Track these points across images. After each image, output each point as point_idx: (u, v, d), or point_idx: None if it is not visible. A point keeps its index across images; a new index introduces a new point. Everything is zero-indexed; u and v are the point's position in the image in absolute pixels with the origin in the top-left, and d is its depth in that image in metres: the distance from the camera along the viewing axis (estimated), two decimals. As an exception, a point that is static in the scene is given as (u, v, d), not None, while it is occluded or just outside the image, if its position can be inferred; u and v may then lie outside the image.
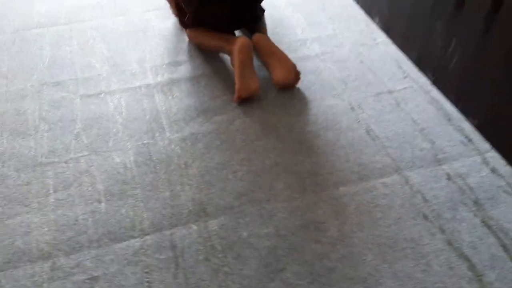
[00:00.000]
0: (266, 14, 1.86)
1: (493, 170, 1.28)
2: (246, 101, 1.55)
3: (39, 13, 2.02)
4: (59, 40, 1.86)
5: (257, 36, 1.57)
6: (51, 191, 1.28)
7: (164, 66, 1.72)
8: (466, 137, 1.38)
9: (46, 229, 1.19)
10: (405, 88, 1.57)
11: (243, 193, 1.27)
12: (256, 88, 1.52)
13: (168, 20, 1.95)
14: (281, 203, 1.24)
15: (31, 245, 1.15)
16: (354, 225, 1.18)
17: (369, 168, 1.32)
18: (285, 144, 1.41)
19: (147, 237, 1.17)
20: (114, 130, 1.47)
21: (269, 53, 1.55)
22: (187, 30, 1.76)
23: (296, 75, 1.56)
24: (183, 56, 1.76)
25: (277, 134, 1.45)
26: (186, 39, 1.83)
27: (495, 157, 1.32)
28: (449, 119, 1.44)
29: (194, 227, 1.19)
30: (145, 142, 1.43)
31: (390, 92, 1.56)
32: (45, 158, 1.38)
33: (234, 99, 1.54)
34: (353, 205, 1.22)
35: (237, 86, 1.51)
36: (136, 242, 1.16)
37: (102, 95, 1.60)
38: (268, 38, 1.58)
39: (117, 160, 1.37)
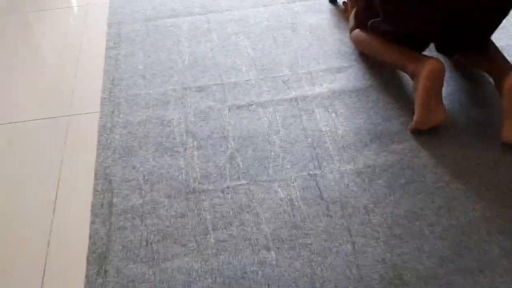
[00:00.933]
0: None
1: None
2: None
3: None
4: (197, 33, 1.65)
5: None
6: (209, 229, 1.09)
7: (320, 73, 1.46)
8: None
9: (209, 280, 1.00)
10: None
11: (448, 258, 1.00)
12: (440, 121, 1.22)
13: (319, 14, 1.68)
14: (501, 277, 0.96)
15: (194, 300, 0.97)
16: None
17: None
18: (492, 191, 1.11)
19: (333, 307, 0.94)
20: (273, 154, 1.24)
21: None
22: (356, 31, 1.46)
23: None
24: (343, 61, 1.49)
25: (478, 175, 1.15)
26: (346, 39, 1.55)
27: None
28: None
29: (391, 300, 0.94)
30: (311, 172, 1.19)
31: None
32: (198, 183, 1.19)
33: (409, 128, 1.25)
34: None
35: (416, 117, 1.23)
36: (320, 313, 0.94)
37: (253, 106, 1.37)
38: None
39: (281, 194, 1.15)
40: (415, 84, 1.23)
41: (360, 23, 1.42)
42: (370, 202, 1.12)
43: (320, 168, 1.20)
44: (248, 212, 1.12)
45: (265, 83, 1.44)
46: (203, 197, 1.16)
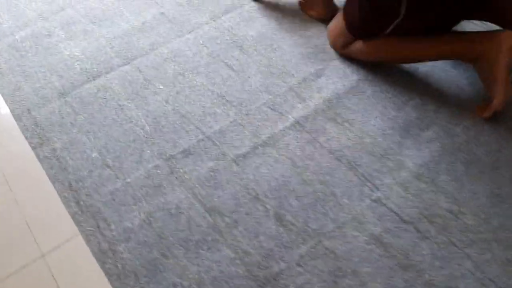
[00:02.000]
0: None
1: None
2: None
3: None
4: (135, 88, 1.35)
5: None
6: (315, 316, 0.88)
7: (302, 84, 1.30)
8: None
9: None
10: None
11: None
12: None
13: (253, 22, 1.49)
14: None
15: None
16: None
17: None
18: (542, 142, 1.09)
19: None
20: (319, 194, 1.06)
21: None
22: (359, 43, 1.28)
23: None
24: (315, 64, 1.34)
25: (520, 132, 1.12)
26: (300, 40, 1.40)
27: None
28: None
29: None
30: (372, 197, 1.05)
31: None
32: (265, 269, 0.96)
33: (488, 114, 1.15)
34: None
35: (500, 98, 1.10)
36: None
37: (260, 148, 1.17)
38: None
39: (362, 236, 0.99)
40: (483, 66, 1.12)
41: (366, 33, 1.25)
42: (450, 203, 1.02)
43: (377, 189, 1.06)
44: (343, 275, 0.93)
45: (253, 117, 1.23)
46: (283, 281, 0.93)
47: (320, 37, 1.43)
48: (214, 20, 1.52)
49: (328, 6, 1.44)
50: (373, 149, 1.13)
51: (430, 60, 1.26)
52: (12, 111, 1.31)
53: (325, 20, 1.46)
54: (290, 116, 1.23)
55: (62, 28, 1.55)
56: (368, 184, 1.07)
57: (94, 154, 1.19)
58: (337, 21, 1.32)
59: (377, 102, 1.23)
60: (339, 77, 1.31)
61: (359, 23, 1.23)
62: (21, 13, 1.60)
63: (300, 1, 1.52)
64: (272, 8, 1.54)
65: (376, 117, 1.20)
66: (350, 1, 1.25)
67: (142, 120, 1.25)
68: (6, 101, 1.34)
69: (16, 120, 1.28)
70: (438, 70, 1.29)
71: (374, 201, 1.04)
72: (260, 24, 1.49)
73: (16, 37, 1.52)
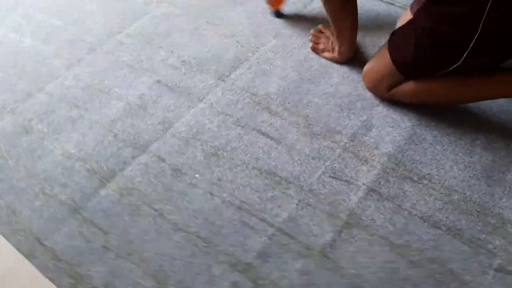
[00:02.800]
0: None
1: None
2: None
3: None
4: (160, 180, 1.12)
5: None
6: None
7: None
8: None
9: None
10: None
11: None
12: None
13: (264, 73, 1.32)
14: None
15: None
16: None
17: None
18: None
19: None
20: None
21: None
22: (410, 84, 1.15)
23: None
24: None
25: None
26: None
27: None
28: None
29: None
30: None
31: None
32: None
33: None
34: None
35: None
36: None
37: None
38: None
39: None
40: None
41: (422, 72, 1.12)
42: None
43: (494, 254, 0.95)
44: None
45: (319, 192, 1.07)
46: None
47: (348, 82, 1.29)
48: (223, 81, 1.32)
49: (352, 47, 1.31)
50: (467, 206, 1.02)
51: (491, 99, 1.18)
52: (18, 248, 1.02)
53: (342, 62, 1.33)
54: (359, 183, 1.08)
55: (40, 120, 1.26)
56: (482, 250, 0.96)
57: (150, 283, 0.95)
58: (379, 61, 1.19)
59: (444, 148, 1.13)
60: (390, 126, 1.19)
61: (414, 62, 1.11)
62: (-20, 110, 1.28)
63: (313, 45, 1.37)
64: (283, 54, 1.38)
65: (451, 166, 1.10)
66: (400, 38, 1.13)
67: (192, 225, 1.03)
68: (3, 235, 1.04)
69: (28, 259, 1.00)
70: (490, 102, 1.21)
71: (497, 270, 0.93)
72: (277, 76, 1.32)
73: (-15, 143, 1.21)
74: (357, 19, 1.22)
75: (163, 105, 1.27)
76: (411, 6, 1.31)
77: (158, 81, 1.33)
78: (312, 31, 1.40)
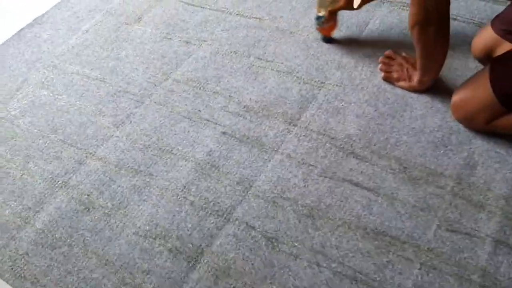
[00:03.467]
0: None
1: None
2: None
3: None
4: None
5: None
6: None
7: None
8: None
9: None
10: None
11: None
12: None
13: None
14: None
15: None
16: None
17: None
18: None
19: None
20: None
21: None
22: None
23: None
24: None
25: None
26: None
27: None
28: None
29: None
30: None
31: None
32: None
33: None
34: None
35: None
36: None
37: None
38: None
39: None
40: None
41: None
42: None
43: None
44: None
45: (440, 251, 0.94)
46: None
47: (434, 113, 1.17)
48: (295, 125, 1.19)
49: (436, 77, 1.19)
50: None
51: None
52: None
53: (421, 91, 1.21)
54: (482, 235, 0.96)
55: (100, 193, 1.12)
56: None
57: None
58: (475, 92, 1.08)
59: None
60: (496, 161, 1.07)
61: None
62: (27, 189, 1.13)
63: (385, 74, 1.25)
64: (352, 87, 1.25)
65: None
66: (505, 67, 1.02)
67: (307, 306, 0.90)
68: None
69: None
70: None
71: None
72: (353, 114, 1.20)
73: (39, 226, 1.06)
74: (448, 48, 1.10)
75: (236, 160, 1.14)
76: (493, 23, 1.19)
77: (224, 133, 1.20)
78: (381, 58, 1.28)
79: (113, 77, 1.38)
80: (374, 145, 1.13)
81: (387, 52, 1.28)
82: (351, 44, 1.37)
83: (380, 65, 1.27)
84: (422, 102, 1.20)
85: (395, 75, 1.24)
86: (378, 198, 1.04)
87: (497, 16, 1.17)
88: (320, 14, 1.28)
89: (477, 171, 1.06)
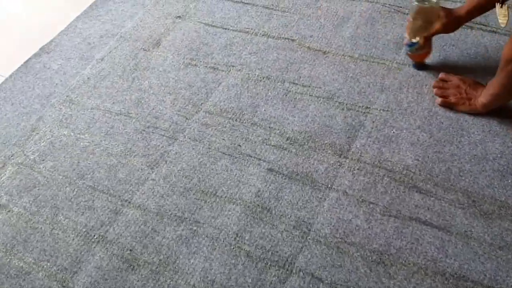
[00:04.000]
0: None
1: None
2: None
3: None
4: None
5: None
6: None
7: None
8: None
9: None
10: None
11: None
12: None
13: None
14: None
15: None
16: None
17: None
18: None
19: None
20: None
21: None
22: None
23: None
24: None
25: None
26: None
27: None
28: None
29: None
30: None
31: None
32: None
33: None
34: None
35: None
36: None
37: None
38: None
39: None
40: None
41: None
42: None
43: None
44: None
45: None
46: None
47: (493, 137, 1.10)
48: (346, 157, 1.11)
49: (503, 102, 1.11)
50: None
51: None
52: None
53: (481, 113, 1.14)
54: None
55: (143, 247, 1.01)
56: None
57: None
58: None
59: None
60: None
61: None
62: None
63: (442, 100, 1.16)
64: (401, 111, 1.17)
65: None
66: None
67: None
68: None
69: None
70: None
71: None
72: (407, 142, 1.12)
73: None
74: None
75: (288, 201, 1.05)
76: None
77: (270, 170, 1.10)
78: (435, 82, 1.20)
79: (138, 111, 1.28)
80: (437, 176, 1.05)
81: (442, 76, 1.20)
82: (392, 62, 1.29)
83: (434, 90, 1.19)
84: (478, 126, 1.13)
85: (452, 99, 1.16)
86: (451, 238, 0.96)
87: None
88: (414, 41, 1.18)
89: (552, 201, 0.99)
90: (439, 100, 1.17)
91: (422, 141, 1.12)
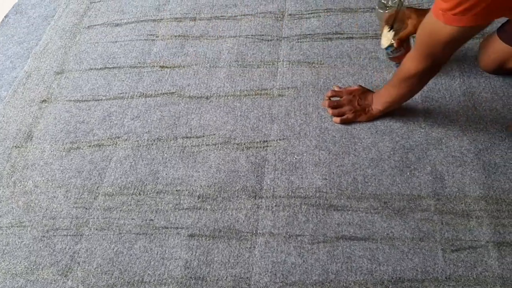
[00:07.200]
0: None
1: None
2: None
3: None
4: None
5: None
6: None
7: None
8: None
9: None
10: None
11: None
12: None
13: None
14: None
15: None
16: None
17: None
18: None
19: None
20: None
21: None
22: None
23: None
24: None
25: None
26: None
27: None
28: None
29: None
30: None
31: None
32: None
33: None
34: None
35: None
36: None
37: None
38: None
39: None
40: None
41: None
42: None
43: None
44: None
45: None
46: None
47: (381, 137, 1.18)
48: (260, 197, 1.11)
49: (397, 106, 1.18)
50: None
51: None
52: None
53: (371, 119, 1.21)
54: (483, 243, 0.99)
55: None
56: None
57: None
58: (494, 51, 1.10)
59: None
60: (457, 165, 1.11)
61: None
62: None
63: (340, 119, 1.21)
64: (295, 136, 1.21)
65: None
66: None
67: None
68: None
69: None
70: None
71: None
72: (310, 164, 1.16)
73: None
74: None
75: (219, 262, 1.02)
76: (500, 35, 1.16)
77: (192, 236, 1.07)
78: (328, 103, 1.23)
79: (31, 216, 1.15)
80: (346, 189, 1.10)
81: (330, 93, 1.24)
82: (272, 90, 1.33)
83: (329, 110, 1.23)
84: (366, 130, 1.21)
85: (350, 115, 1.20)
86: (378, 245, 1.01)
87: (502, 28, 1.15)
88: (387, 45, 1.21)
89: (447, 181, 1.09)
90: (337, 119, 1.21)
91: (323, 160, 1.16)
